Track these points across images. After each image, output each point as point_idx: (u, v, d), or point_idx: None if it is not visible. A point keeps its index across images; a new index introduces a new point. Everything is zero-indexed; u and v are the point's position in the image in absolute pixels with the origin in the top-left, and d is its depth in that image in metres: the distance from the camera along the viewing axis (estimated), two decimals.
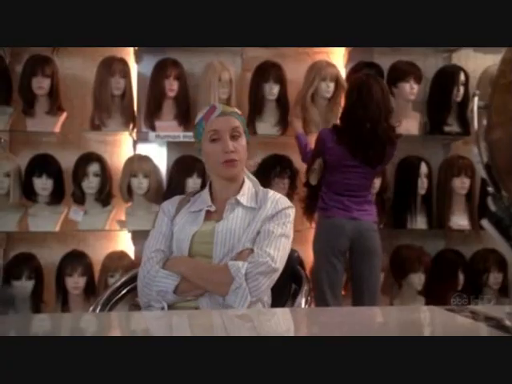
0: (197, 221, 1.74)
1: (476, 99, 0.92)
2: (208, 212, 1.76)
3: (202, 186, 2.74)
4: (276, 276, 1.68)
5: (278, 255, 1.66)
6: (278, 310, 1.67)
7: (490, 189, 0.90)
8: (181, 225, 1.75)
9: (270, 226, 1.69)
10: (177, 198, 1.86)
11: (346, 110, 2.79)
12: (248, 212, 1.73)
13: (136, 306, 1.81)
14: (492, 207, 0.89)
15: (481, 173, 0.91)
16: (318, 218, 2.88)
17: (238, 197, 1.74)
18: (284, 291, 1.86)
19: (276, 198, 1.76)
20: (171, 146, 3.29)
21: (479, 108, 0.91)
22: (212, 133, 1.73)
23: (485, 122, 0.91)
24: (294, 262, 1.90)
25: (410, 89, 3.24)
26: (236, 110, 1.83)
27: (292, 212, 1.76)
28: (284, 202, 1.76)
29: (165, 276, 1.66)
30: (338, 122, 2.85)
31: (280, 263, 1.67)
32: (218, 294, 1.63)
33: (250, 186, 1.80)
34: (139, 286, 1.71)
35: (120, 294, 1.87)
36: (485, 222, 0.90)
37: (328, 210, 2.79)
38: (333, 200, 2.78)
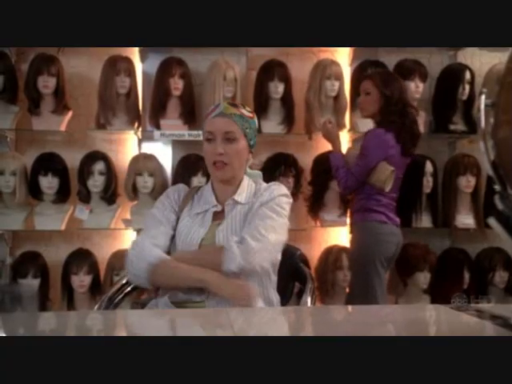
0: (204, 223, 1.74)
1: (483, 97, 0.91)
2: (214, 213, 1.75)
3: None
4: (274, 251, 1.67)
5: (269, 234, 1.65)
6: (285, 309, 1.67)
7: (497, 187, 0.90)
8: (187, 227, 1.73)
9: (263, 209, 1.69)
10: (182, 188, 1.85)
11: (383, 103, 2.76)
12: (247, 206, 1.73)
13: (137, 304, 1.81)
14: (499, 206, 0.88)
15: (488, 171, 0.91)
16: (366, 221, 2.75)
17: (235, 197, 1.75)
18: (286, 290, 1.86)
19: (274, 188, 1.75)
20: (176, 144, 3.29)
21: (486, 106, 0.91)
22: (207, 133, 1.73)
23: (492, 120, 0.91)
24: (296, 260, 1.90)
25: (415, 87, 3.23)
26: (243, 111, 1.75)
27: (287, 200, 1.75)
28: (280, 189, 1.76)
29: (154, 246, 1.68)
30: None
31: (275, 241, 1.66)
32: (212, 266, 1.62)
33: (248, 183, 1.79)
34: (129, 259, 1.69)
35: (125, 292, 1.87)
36: (492, 221, 0.90)
37: (381, 214, 2.72)
38: (383, 204, 2.73)
